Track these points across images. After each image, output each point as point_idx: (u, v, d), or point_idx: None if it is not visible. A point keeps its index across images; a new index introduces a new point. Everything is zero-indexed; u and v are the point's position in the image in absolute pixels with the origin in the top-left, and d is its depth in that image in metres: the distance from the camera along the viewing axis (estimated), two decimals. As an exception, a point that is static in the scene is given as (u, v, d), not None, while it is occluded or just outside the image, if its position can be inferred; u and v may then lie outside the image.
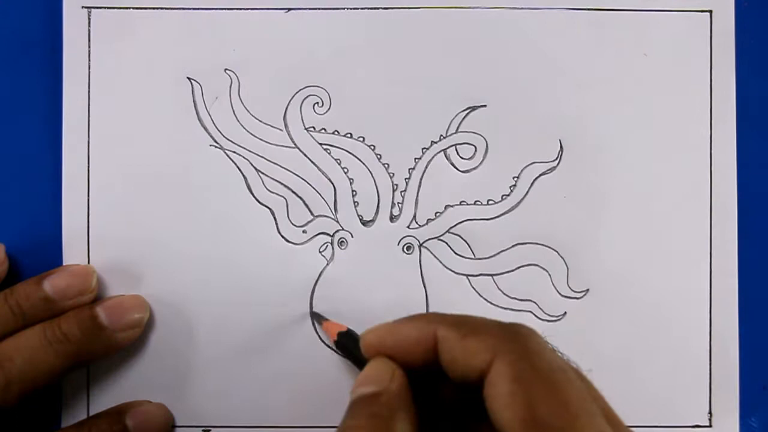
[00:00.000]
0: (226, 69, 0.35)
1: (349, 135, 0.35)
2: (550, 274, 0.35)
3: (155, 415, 0.34)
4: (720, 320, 0.35)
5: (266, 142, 0.35)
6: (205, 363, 0.35)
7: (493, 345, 0.23)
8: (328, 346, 0.35)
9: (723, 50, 0.35)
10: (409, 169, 0.35)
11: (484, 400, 0.23)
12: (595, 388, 0.24)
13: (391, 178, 0.35)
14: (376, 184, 0.35)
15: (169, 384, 0.35)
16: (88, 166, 0.35)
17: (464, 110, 0.35)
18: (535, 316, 0.35)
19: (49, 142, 0.35)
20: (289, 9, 0.35)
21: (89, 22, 0.35)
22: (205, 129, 0.35)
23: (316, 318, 0.34)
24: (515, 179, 0.35)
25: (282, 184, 0.35)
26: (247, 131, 0.35)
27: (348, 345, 0.31)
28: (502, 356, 0.23)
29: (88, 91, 0.35)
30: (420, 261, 0.35)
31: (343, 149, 0.35)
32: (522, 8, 0.35)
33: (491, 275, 0.35)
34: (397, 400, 0.25)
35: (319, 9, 0.35)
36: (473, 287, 0.35)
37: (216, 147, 0.35)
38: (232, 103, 0.35)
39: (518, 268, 0.35)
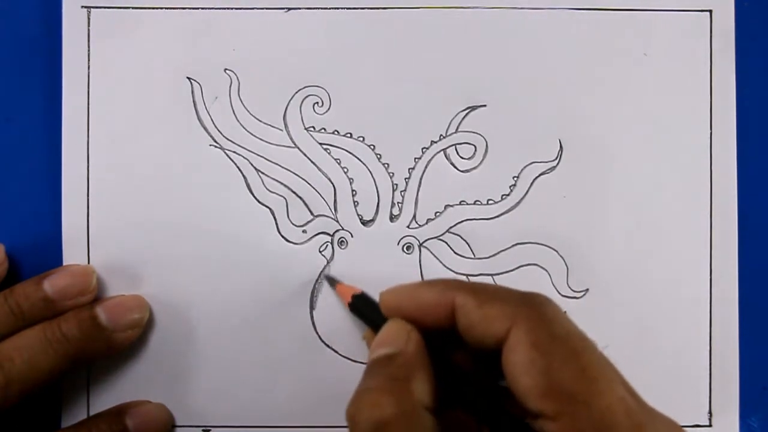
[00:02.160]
0: (226, 69, 0.35)
1: (348, 135, 0.35)
2: (549, 274, 0.35)
3: (155, 415, 0.34)
4: (720, 320, 0.35)
5: (266, 141, 0.35)
6: (205, 363, 0.35)
7: (511, 312, 0.24)
8: (328, 346, 0.35)
9: (723, 50, 0.35)
10: (409, 169, 0.35)
11: (501, 366, 0.23)
12: (611, 362, 0.24)
13: (391, 177, 0.35)
14: (376, 184, 0.35)
15: (169, 384, 0.35)
16: (88, 166, 0.35)
17: (464, 110, 0.35)
18: (535, 316, 0.35)
19: (49, 142, 0.35)
20: (289, 9, 0.35)
21: (89, 22, 0.35)
22: (205, 129, 0.35)
23: (330, 281, 0.34)
24: (515, 179, 0.35)
25: (282, 183, 0.35)
26: (247, 131, 0.35)
27: (361, 307, 0.31)
28: (520, 323, 0.23)
29: (88, 91, 0.35)
30: (420, 261, 0.35)
31: (343, 149, 0.35)
32: (522, 8, 0.35)
33: (491, 275, 0.35)
34: (414, 360, 0.25)
35: (319, 9, 0.35)
36: (473, 287, 0.35)
37: (216, 147, 0.35)
38: (231, 103, 0.35)
39: (518, 267, 0.35)
